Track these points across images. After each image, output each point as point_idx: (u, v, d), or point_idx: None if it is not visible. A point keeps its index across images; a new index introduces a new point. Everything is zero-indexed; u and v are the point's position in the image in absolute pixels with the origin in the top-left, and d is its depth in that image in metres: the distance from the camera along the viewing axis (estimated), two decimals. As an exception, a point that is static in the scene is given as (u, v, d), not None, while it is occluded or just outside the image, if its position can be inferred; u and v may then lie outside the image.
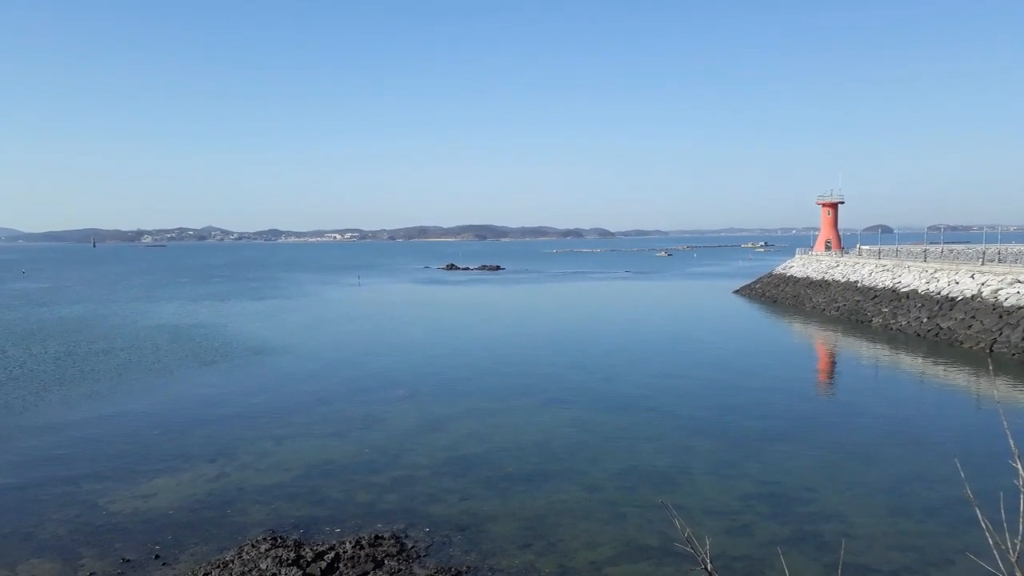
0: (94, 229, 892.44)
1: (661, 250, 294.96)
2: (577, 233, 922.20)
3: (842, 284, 73.72)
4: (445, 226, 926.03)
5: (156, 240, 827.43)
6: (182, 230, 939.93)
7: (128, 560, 18.73)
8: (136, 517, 21.68)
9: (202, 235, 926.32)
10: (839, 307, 68.64)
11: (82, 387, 40.83)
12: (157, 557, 18.92)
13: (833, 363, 48.68)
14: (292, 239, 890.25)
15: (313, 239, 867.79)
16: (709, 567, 5.71)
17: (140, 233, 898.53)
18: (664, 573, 17.86)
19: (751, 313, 75.83)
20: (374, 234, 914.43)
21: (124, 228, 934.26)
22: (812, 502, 22.34)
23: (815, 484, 23.85)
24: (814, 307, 72.94)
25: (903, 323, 57.27)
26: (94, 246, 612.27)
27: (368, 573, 17.82)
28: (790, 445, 28.28)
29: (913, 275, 63.94)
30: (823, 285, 77.22)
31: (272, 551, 18.40)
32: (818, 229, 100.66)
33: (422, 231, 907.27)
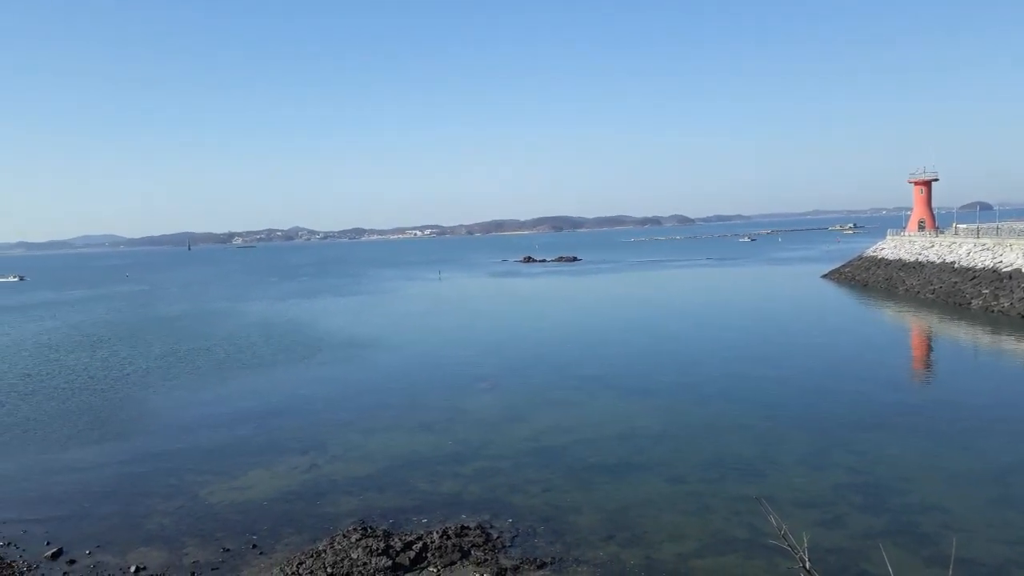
0: (189, 232, 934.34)
1: (744, 235, 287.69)
2: (655, 221, 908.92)
3: (937, 265, 70.38)
4: (521, 219, 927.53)
5: (246, 241, 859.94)
6: (271, 231, 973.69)
7: (228, 549, 19.64)
8: (234, 508, 22.70)
9: (290, 235, 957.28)
10: (935, 290, 65.59)
11: (184, 383, 42.92)
12: (255, 547, 19.77)
13: (929, 348, 46.56)
14: (375, 237, 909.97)
15: (395, 236, 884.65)
16: (807, 565, 5.51)
17: (231, 235, 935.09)
18: (753, 566, 17.53)
19: (840, 298, 73.29)
20: (453, 229, 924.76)
21: (216, 231, 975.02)
22: (909, 493, 21.49)
23: (912, 474, 22.93)
24: (907, 290, 69.92)
25: (1005, 305, 54.26)
26: (189, 249, 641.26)
27: (455, 563, 18.15)
28: (884, 434, 27.25)
29: (1016, 254, 60.44)
30: (917, 267, 73.92)
31: (362, 541, 18.95)
32: (910, 209, 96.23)
33: (499, 225, 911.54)
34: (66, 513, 22.89)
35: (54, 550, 19.91)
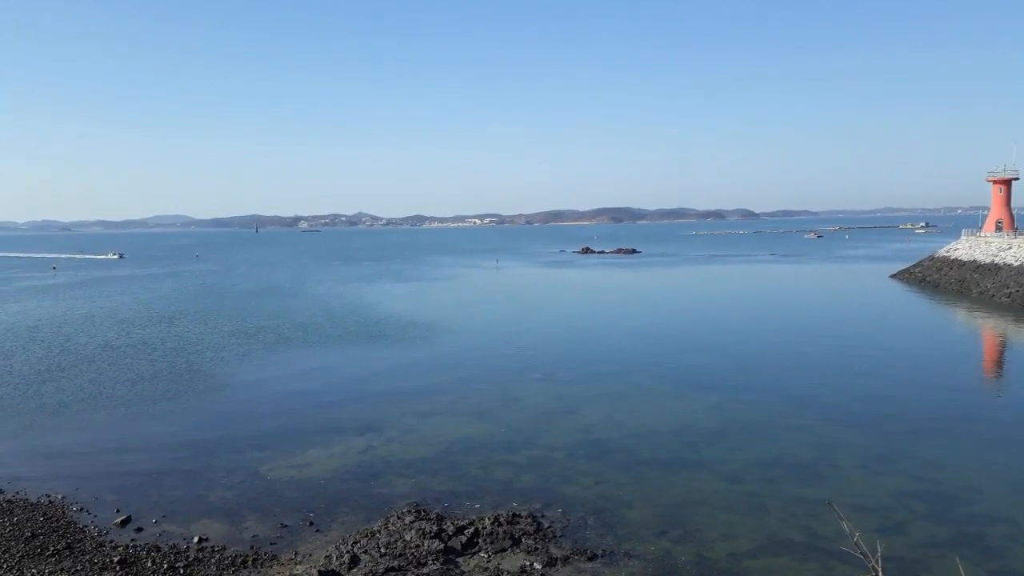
0: (256, 215, 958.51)
1: (810, 231, 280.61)
2: (719, 215, 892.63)
3: (1015, 268, 67.47)
4: (581, 209, 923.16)
5: (311, 225, 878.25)
6: (335, 216, 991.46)
7: (286, 525, 20.22)
8: (292, 485, 23.33)
9: (353, 221, 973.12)
10: (1011, 293, 62.92)
11: (251, 360, 44.19)
12: (311, 524, 20.30)
13: (1002, 353, 44.73)
14: (435, 224, 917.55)
15: (454, 224, 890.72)
16: (880, 575, 5.31)
17: (297, 219, 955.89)
18: (807, 570, 17.22)
19: (909, 299, 70.95)
20: (511, 218, 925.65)
21: (283, 214, 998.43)
22: (974, 502, 20.77)
23: (978, 483, 22.14)
24: (981, 293, 67.26)
25: (1089, 311, 51.70)
26: (256, 231, 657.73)
27: (506, 550, 18.31)
28: (950, 440, 26.36)
29: (1102, 258, 57.51)
30: (992, 269, 70.99)
31: (416, 523, 19.27)
32: (987, 208, 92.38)
33: (558, 215, 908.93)
34: (135, 482, 23.87)
35: (123, 517, 20.81)
